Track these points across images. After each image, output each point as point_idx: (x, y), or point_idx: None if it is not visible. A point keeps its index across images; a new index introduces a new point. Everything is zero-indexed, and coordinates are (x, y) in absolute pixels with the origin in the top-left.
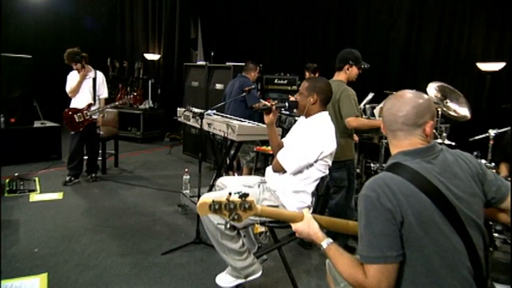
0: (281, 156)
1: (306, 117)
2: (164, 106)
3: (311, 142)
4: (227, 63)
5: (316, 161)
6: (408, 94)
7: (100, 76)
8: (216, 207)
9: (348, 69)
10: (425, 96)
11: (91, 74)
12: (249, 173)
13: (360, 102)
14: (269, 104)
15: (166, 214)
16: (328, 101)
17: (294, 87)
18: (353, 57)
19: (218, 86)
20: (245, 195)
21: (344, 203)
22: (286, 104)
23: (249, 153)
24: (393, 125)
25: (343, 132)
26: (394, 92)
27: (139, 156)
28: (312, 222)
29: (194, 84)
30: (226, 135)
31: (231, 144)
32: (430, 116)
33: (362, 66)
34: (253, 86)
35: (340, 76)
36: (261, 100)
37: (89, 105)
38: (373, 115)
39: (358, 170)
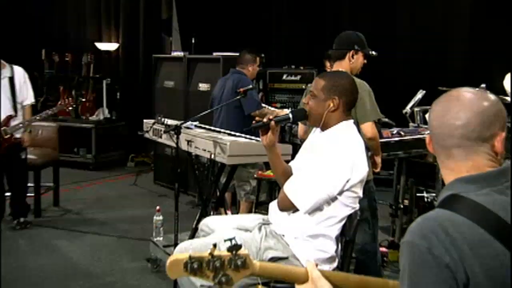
0: (289, 189)
1: (323, 130)
2: (126, 117)
3: (332, 165)
4: (215, 54)
5: (341, 193)
6: (467, 94)
7: (20, 73)
8: (194, 266)
9: (352, 56)
10: (492, 97)
11: (6, 73)
12: (249, 210)
13: (405, 103)
14: (264, 120)
15: (130, 273)
16: (353, 106)
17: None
18: (359, 40)
19: (202, 86)
20: (236, 246)
21: (370, 248)
22: (290, 115)
23: (248, 182)
24: (447, 140)
25: None
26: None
27: (90, 190)
28: (321, 284)
29: (168, 84)
30: (213, 156)
31: (221, 169)
32: (501, 125)
33: (370, 53)
34: (251, 86)
35: (341, 67)
36: (264, 106)
37: (8, 118)
38: (425, 122)
39: (406, 202)
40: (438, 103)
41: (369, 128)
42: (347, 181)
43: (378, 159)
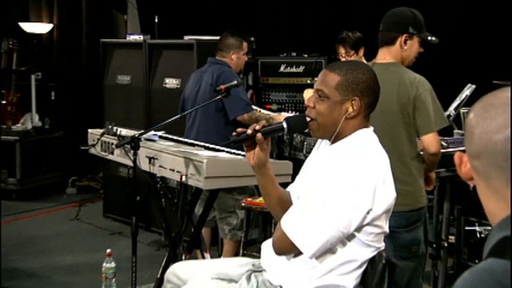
0: (289, 224)
1: (334, 141)
2: (63, 126)
3: (347, 190)
4: (186, 38)
5: (359, 229)
6: None
7: None
8: None
9: (405, 42)
10: None
11: None
12: (235, 252)
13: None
14: (248, 130)
15: None
16: (373, 108)
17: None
18: (415, 21)
19: (170, 83)
20: None
21: None
22: (284, 124)
23: (233, 213)
24: (497, 157)
25: (411, 156)
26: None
27: (14, 228)
28: None
29: (122, 80)
30: (185, 179)
31: (196, 195)
32: None
33: (428, 38)
34: (236, 81)
35: (390, 55)
36: (255, 108)
37: None
38: None
39: (451, 239)
40: (482, 105)
41: (432, 140)
42: (368, 212)
43: (432, 175)
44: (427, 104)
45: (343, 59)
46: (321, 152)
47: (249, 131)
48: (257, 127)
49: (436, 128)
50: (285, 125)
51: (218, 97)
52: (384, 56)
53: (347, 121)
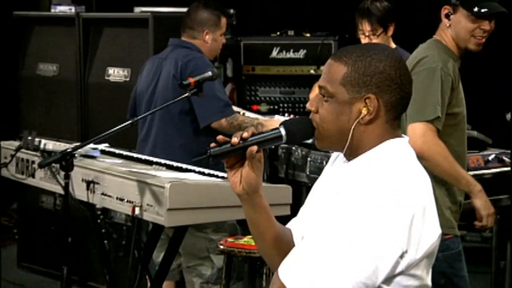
0: (289, 276)
1: (351, 158)
2: None
3: (369, 228)
4: (138, 10)
5: (390, 280)
6: None
7: None
8: None
9: (447, 16)
10: None
11: None
12: None
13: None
14: (234, 139)
15: None
16: (405, 108)
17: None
18: None
19: (115, 74)
20: None
21: None
22: (282, 131)
23: (208, 259)
24: None
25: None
26: None
27: None
28: None
29: (45, 70)
30: (139, 212)
31: (154, 235)
32: None
33: (475, 10)
34: (210, 73)
35: (438, 33)
36: (237, 109)
37: None
38: None
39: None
40: None
41: (413, 133)
42: (402, 256)
43: (478, 202)
44: (416, 87)
45: (365, 41)
46: (335, 173)
47: (235, 140)
48: (245, 135)
49: (420, 118)
50: (283, 131)
51: (184, 95)
52: (443, 36)
53: (363, 129)
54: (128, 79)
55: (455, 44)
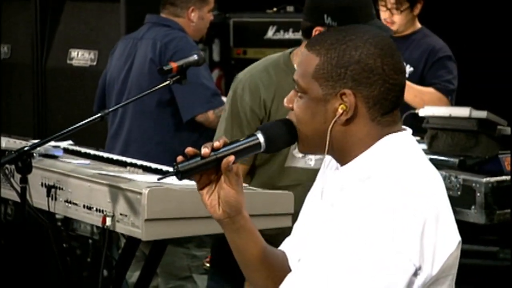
0: None
1: (342, 163)
2: None
3: (375, 243)
4: None
5: None
6: None
7: None
8: None
9: None
10: None
11: None
12: None
13: None
14: (203, 150)
15: None
16: (397, 101)
17: None
18: (335, 4)
19: (80, 57)
20: None
21: None
22: (260, 137)
23: (189, 279)
24: None
25: None
26: None
27: None
28: None
29: None
30: (110, 222)
31: (128, 252)
32: None
33: None
34: (195, 57)
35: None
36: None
37: None
38: None
39: None
40: None
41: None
42: (417, 274)
43: None
44: None
45: (385, 14)
46: (327, 181)
47: (206, 151)
48: (217, 144)
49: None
50: (261, 138)
51: (165, 83)
52: (299, 54)
53: (344, 130)
54: (95, 64)
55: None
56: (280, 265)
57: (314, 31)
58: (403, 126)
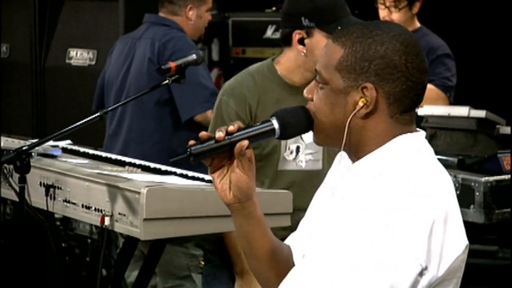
0: None
1: (355, 158)
2: None
3: (381, 242)
4: None
5: None
6: None
7: None
8: None
9: (301, 41)
10: None
11: None
12: None
13: None
14: (218, 134)
15: None
16: (417, 100)
17: None
18: (313, 5)
19: (79, 56)
20: None
21: None
22: (275, 123)
23: (188, 279)
24: None
25: None
26: None
27: None
28: None
29: None
30: (109, 222)
31: (126, 251)
32: None
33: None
34: (194, 57)
35: (288, 63)
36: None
37: None
38: None
39: None
40: None
41: None
42: (422, 274)
43: None
44: None
45: (384, 13)
46: (339, 177)
47: (220, 135)
48: (231, 128)
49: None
50: (275, 124)
51: (163, 83)
52: (281, 62)
53: (362, 124)
54: (93, 63)
55: (308, 69)
56: (284, 258)
57: (294, 34)
58: (418, 128)
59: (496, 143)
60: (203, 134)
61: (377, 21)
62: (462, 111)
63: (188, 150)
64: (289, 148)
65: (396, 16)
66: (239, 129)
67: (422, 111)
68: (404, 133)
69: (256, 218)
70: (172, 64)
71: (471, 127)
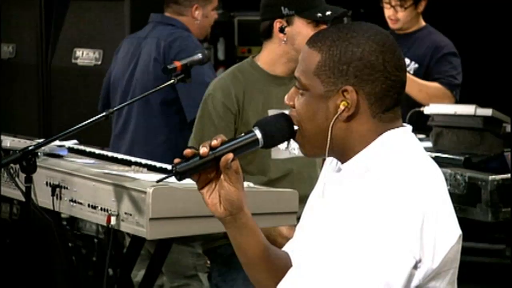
0: None
1: (343, 160)
2: None
3: (374, 238)
4: None
5: None
6: None
7: None
8: None
9: (282, 30)
10: None
11: None
12: None
13: None
14: (202, 149)
15: None
16: (397, 98)
17: None
18: None
19: (84, 56)
20: None
21: None
22: (257, 133)
23: (195, 278)
24: None
25: None
26: None
27: None
28: None
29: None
30: (115, 221)
31: (133, 250)
32: None
33: (318, 16)
34: (199, 56)
35: (269, 55)
36: None
37: None
38: None
39: None
40: None
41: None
42: (416, 267)
43: None
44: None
45: (389, 12)
46: (329, 180)
47: (204, 150)
48: (215, 143)
49: None
50: (258, 134)
51: (169, 82)
52: (261, 57)
53: (345, 126)
54: (99, 63)
55: (290, 59)
56: (282, 265)
57: (275, 23)
58: (403, 123)
59: (503, 142)
60: (187, 151)
61: (351, 23)
62: (468, 109)
63: (174, 168)
64: None
65: (401, 15)
66: (222, 143)
67: (428, 109)
68: (389, 130)
69: (249, 228)
70: (177, 64)
71: (477, 125)
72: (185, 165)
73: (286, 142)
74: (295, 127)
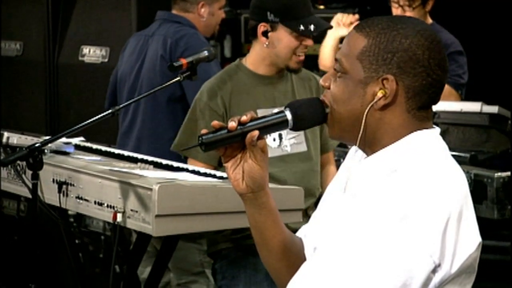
0: None
1: (370, 152)
2: None
3: (394, 237)
4: None
5: None
6: None
7: None
8: None
9: (265, 34)
10: None
11: None
12: None
13: None
14: (230, 124)
15: None
16: (434, 98)
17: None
18: (277, 1)
19: (92, 53)
20: None
21: None
22: (288, 114)
23: (202, 275)
24: None
25: None
26: None
27: None
28: None
29: (7, 49)
30: (121, 218)
31: (139, 247)
32: None
33: (301, 29)
34: (206, 53)
35: (255, 55)
36: None
37: None
38: None
39: None
40: None
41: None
42: (435, 271)
43: None
44: None
45: (397, 12)
46: (351, 171)
47: (232, 125)
48: (244, 119)
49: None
50: (289, 115)
51: (175, 80)
52: (248, 57)
53: (379, 116)
54: (106, 60)
55: (272, 63)
56: (296, 251)
57: (259, 27)
58: (433, 125)
59: (509, 139)
60: (215, 123)
61: (402, 15)
62: (474, 106)
63: (200, 139)
64: (270, 135)
65: (409, 15)
66: (252, 119)
67: (434, 106)
68: (420, 129)
69: (269, 208)
70: (183, 61)
71: (483, 122)
72: (212, 136)
73: (278, 140)
74: (327, 110)
